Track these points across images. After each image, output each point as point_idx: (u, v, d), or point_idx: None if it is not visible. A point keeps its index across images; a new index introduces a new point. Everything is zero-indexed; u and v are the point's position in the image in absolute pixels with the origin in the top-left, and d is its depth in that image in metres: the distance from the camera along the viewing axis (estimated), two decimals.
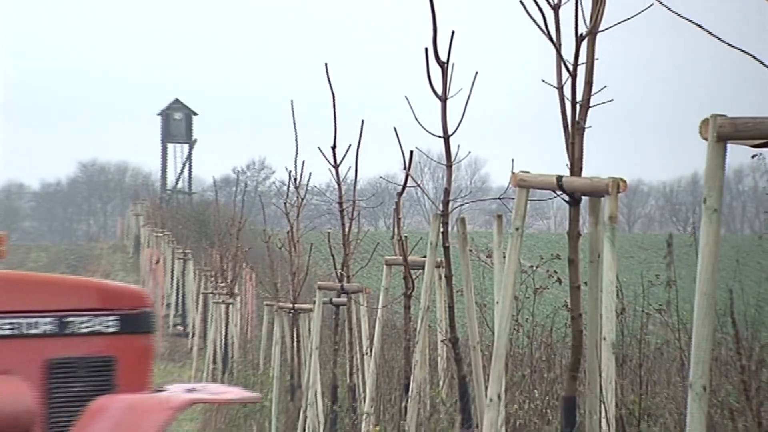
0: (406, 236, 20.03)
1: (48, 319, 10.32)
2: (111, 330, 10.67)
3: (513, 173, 12.13)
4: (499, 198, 16.01)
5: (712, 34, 8.33)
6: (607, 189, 11.41)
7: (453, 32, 14.66)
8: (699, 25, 8.44)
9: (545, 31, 11.64)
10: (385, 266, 21.10)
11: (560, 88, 11.61)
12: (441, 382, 16.84)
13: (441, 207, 16.30)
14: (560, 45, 11.58)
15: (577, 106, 11.57)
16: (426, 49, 14.64)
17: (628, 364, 12.70)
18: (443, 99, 14.70)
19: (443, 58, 14.61)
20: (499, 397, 12.11)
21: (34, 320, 10.23)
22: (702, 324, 8.42)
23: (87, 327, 10.50)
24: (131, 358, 10.92)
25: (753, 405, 8.99)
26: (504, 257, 12.81)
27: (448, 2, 14.64)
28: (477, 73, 15.24)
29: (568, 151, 11.59)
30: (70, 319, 10.37)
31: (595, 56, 11.51)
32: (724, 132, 8.17)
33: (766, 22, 8.13)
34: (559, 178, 11.57)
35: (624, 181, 11.56)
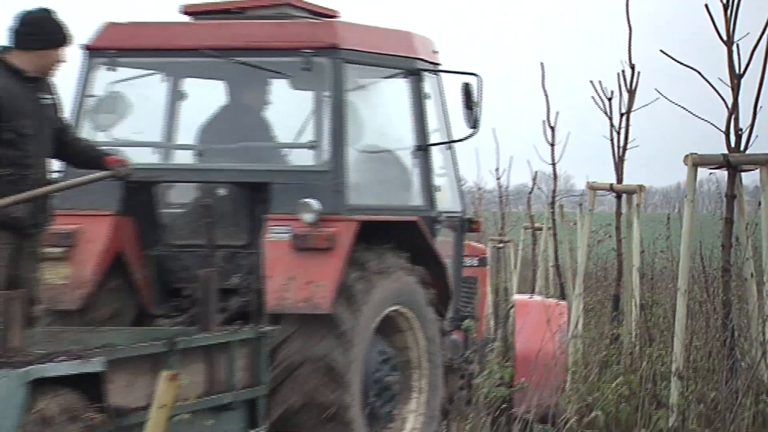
0: (533, 214, 19.95)
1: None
2: (476, 265, 10.58)
3: (587, 182, 11.99)
4: (580, 195, 15.91)
5: (685, 108, 8.23)
6: (636, 190, 11.30)
7: (558, 113, 14.58)
8: (684, 107, 8.31)
9: (604, 111, 11.53)
10: (522, 229, 21.00)
11: (611, 140, 11.47)
12: (551, 287, 16.73)
13: (551, 199, 16.22)
14: (611, 118, 11.46)
15: (621, 149, 11.49)
16: (543, 121, 14.53)
17: (646, 278, 12.54)
18: (552, 144, 14.56)
19: (553, 123, 14.50)
20: (580, 294, 12.02)
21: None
22: (684, 258, 8.25)
23: (470, 263, 10.37)
24: (482, 279, 10.91)
25: (711, 299, 8.84)
26: (583, 225, 12.69)
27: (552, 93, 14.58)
28: (569, 132, 15.19)
29: (615, 171, 11.47)
30: (465, 260, 10.19)
31: (630, 123, 11.44)
32: (696, 161, 7.97)
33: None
34: (611, 185, 11.44)
35: (644, 186, 11.44)
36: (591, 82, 11.58)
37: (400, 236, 9.05)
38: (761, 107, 7.64)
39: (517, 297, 11.32)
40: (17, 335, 6.38)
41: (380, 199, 9.35)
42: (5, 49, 7.21)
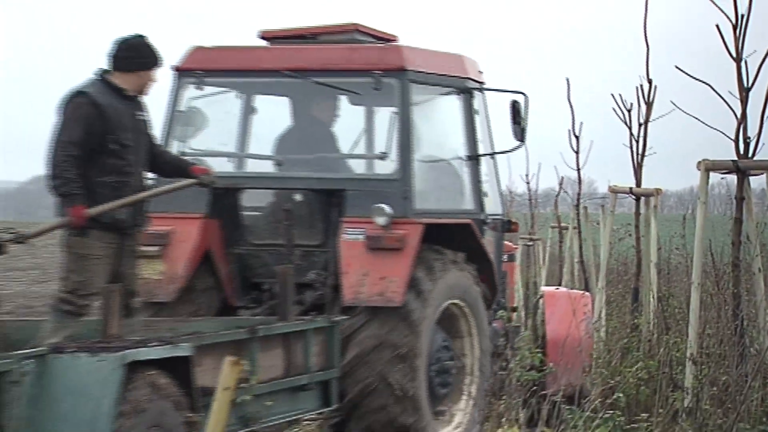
0: (559, 215, 19.92)
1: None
2: (506, 260, 10.44)
3: (609, 186, 11.97)
4: (602, 197, 15.86)
5: (698, 119, 8.19)
6: (653, 193, 11.24)
7: (582, 123, 14.44)
8: (697, 118, 8.26)
9: (624, 122, 11.45)
10: (550, 228, 20.94)
11: (631, 147, 11.39)
12: (576, 281, 16.66)
13: (576, 201, 16.19)
14: (631, 128, 11.40)
15: (639, 156, 11.44)
16: (569, 131, 14.37)
17: (662, 272, 12.46)
18: (577, 152, 14.40)
19: (577, 132, 14.40)
20: (602, 287, 11.99)
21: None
22: (697, 254, 8.29)
23: (505, 258, 10.38)
24: (510, 273, 10.92)
25: (722, 291, 8.88)
26: (605, 225, 12.66)
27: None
28: (592, 141, 15.10)
29: (634, 175, 11.44)
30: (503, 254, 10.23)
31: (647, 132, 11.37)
32: (708, 167, 7.99)
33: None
34: (631, 188, 11.40)
35: (661, 189, 11.40)
36: (612, 95, 11.53)
37: (456, 237, 9.21)
38: None
39: (544, 288, 11.25)
40: (116, 323, 6.57)
41: (440, 204, 9.54)
42: (106, 71, 7.42)
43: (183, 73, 9.43)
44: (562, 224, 19.31)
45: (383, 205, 8.73)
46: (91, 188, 7.23)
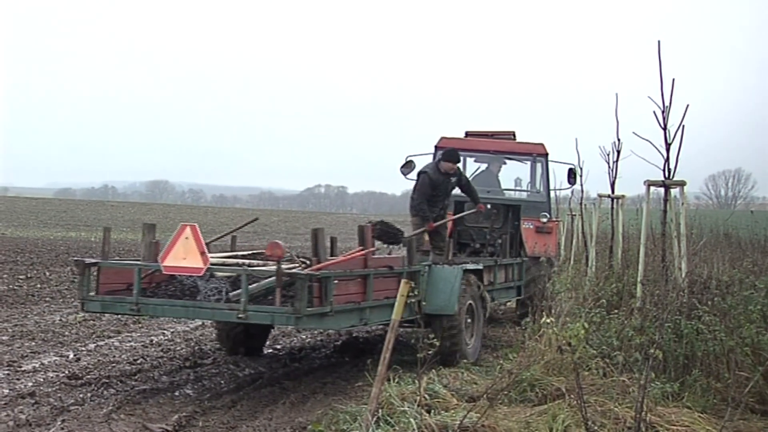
0: (572, 208, 19.46)
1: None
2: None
3: (598, 194, 11.77)
4: (594, 199, 15.51)
5: (645, 160, 7.79)
6: (621, 197, 10.80)
7: (584, 161, 13.47)
8: (644, 159, 7.91)
9: (606, 161, 10.64)
10: (567, 215, 20.17)
11: (609, 174, 10.64)
12: (580, 243, 16.13)
13: (580, 201, 15.77)
14: (609, 164, 10.51)
15: (613, 179, 10.83)
16: (573, 167, 13.92)
17: (625, 237, 11.53)
18: (581, 176, 13.40)
19: (582, 166, 13.39)
20: (593, 245, 11.57)
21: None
22: (644, 227, 8.17)
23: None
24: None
25: (656, 247, 8.58)
26: (595, 213, 12.36)
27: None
28: (589, 170, 14.65)
29: (611, 188, 10.75)
30: None
31: (619, 167, 10.61)
32: (649, 183, 7.91)
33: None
34: (609, 194, 10.81)
35: (625, 195, 10.87)
36: (599, 146, 11.28)
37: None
38: (681, 158, 7.60)
39: None
40: (448, 256, 8.92)
41: (552, 212, 11.45)
42: (439, 160, 9.10)
43: (439, 148, 11.24)
44: (573, 213, 19.29)
45: (545, 213, 10.80)
46: (429, 212, 9.07)
